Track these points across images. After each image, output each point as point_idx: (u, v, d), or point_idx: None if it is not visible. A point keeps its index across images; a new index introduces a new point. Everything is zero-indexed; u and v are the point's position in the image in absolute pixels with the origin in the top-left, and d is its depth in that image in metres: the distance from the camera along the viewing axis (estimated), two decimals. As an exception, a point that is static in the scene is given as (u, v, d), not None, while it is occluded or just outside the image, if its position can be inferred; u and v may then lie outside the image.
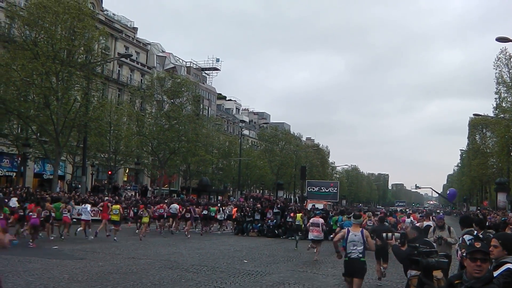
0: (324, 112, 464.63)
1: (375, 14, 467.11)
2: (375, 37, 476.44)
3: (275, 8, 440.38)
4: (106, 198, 35.76)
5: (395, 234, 10.43)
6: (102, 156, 55.08)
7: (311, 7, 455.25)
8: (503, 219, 34.22)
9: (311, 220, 24.96)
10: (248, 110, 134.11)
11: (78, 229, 27.45)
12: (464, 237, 11.44)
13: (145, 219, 30.17)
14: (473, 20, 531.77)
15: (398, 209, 71.46)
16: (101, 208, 30.04)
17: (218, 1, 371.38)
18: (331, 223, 32.28)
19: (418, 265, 5.73)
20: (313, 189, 69.02)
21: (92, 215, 30.44)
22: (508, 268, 5.62)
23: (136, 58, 75.88)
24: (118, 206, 29.34)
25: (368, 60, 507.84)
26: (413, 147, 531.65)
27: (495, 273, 5.38)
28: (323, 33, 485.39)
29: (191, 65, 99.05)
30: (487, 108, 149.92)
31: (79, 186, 47.45)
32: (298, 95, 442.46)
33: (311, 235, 23.82)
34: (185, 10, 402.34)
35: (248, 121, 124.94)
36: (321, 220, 24.69)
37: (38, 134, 44.97)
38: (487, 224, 20.83)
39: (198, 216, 36.69)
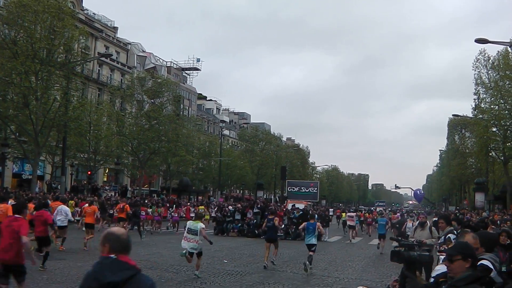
0: (313, 112, 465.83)
1: (367, 15, 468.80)
2: (367, 36, 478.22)
3: (268, 8, 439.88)
4: (188, 203, 53.40)
5: None
6: (81, 156, 54.76)
7: (304, 7, 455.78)
8: (480, 218, 34.67)
9: (348, 214, 41.36)
10: (228, 110, 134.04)
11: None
12: (449, 235, 11.60)
13: (207, 217, 41.28)
14: (465, 22, 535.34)
15: (378, 209, 71.86)
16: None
17: (212, 0, 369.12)
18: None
19: (400, 257, 5.80)
20: (293, 189, 69.08)
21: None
22: (481, 264, 5.78)
23: (116, 57, 75.60)
24: (202, 206, 43.98)
25: (359, 59, 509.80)
26: (395, 148, 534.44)
27: None
28: (315, 32, 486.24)
29: (172, 65, 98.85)
30: (467, 108, 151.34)
31: (59, 186, 47.16)
32: (288, 95, 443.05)
33: (348, 223, 38.94)
34: (177, 8, 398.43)
35: (228, 121, 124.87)
36: (354, 214, 40.66)
37: (17, 134, 44.69)
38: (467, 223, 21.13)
39: None
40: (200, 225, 16.36)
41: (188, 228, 16.41)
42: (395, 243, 9.18)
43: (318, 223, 20.23)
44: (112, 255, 4.41)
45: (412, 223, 33.23)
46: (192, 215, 42.23)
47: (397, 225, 30.50)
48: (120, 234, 4.60)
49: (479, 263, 5.75)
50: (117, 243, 4.50)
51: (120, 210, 29.45)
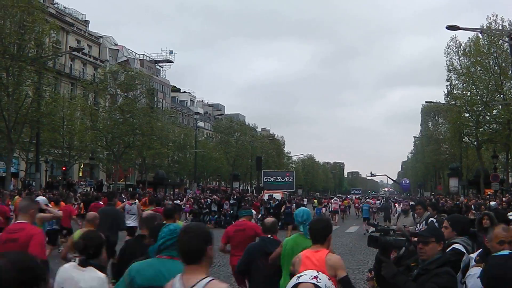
0: (288, 103, 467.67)
1: (342, 5, 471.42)
2: (342, 27, 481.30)
3: (244, 0, 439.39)
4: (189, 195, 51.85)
5: None
6: (56, 152, 54.32)
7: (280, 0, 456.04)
8: (457, 202, 35.13)
9: (333, 200, 44.46)
10: (202, 102, 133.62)
11: None
12: (431, 219, 11.81)
13: None
14: (439, 12, 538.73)
15: (354, 197, 72.58)
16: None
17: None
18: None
19: (377, 242, 5.85)
20: (269, 179, 69.51)
21: None
22: (453, 248, 5.88)
23: (89, 51, 74.96)
24: None
25: (334, 50, 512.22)
26: (370, 136, 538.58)
27: None
28: (290, 24, 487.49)
29: (144, 58, 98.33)
30: (440, 95, 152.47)
31: (33, 183, 46.78)
32: (263, 86, 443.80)
33: (331, 207, 41.03)
34: (153, 1, 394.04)
35: (203, 113, 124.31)
36: (339, 201, 44.52)
37: (-11, 131, 44.16)
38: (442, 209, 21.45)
39: None
40: (252, 211, 18.48)
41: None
42: (372, 228, 9.30)
43: (323, 209, 28.29)
44: (269, 235, 8.22)
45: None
46: (195, 206, 43.29)
47: (382, 210, 31.66)
48: (268, 221, 8.64)
49: (451, 247, 5.86)
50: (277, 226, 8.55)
51: (143, 204, 31.14)
